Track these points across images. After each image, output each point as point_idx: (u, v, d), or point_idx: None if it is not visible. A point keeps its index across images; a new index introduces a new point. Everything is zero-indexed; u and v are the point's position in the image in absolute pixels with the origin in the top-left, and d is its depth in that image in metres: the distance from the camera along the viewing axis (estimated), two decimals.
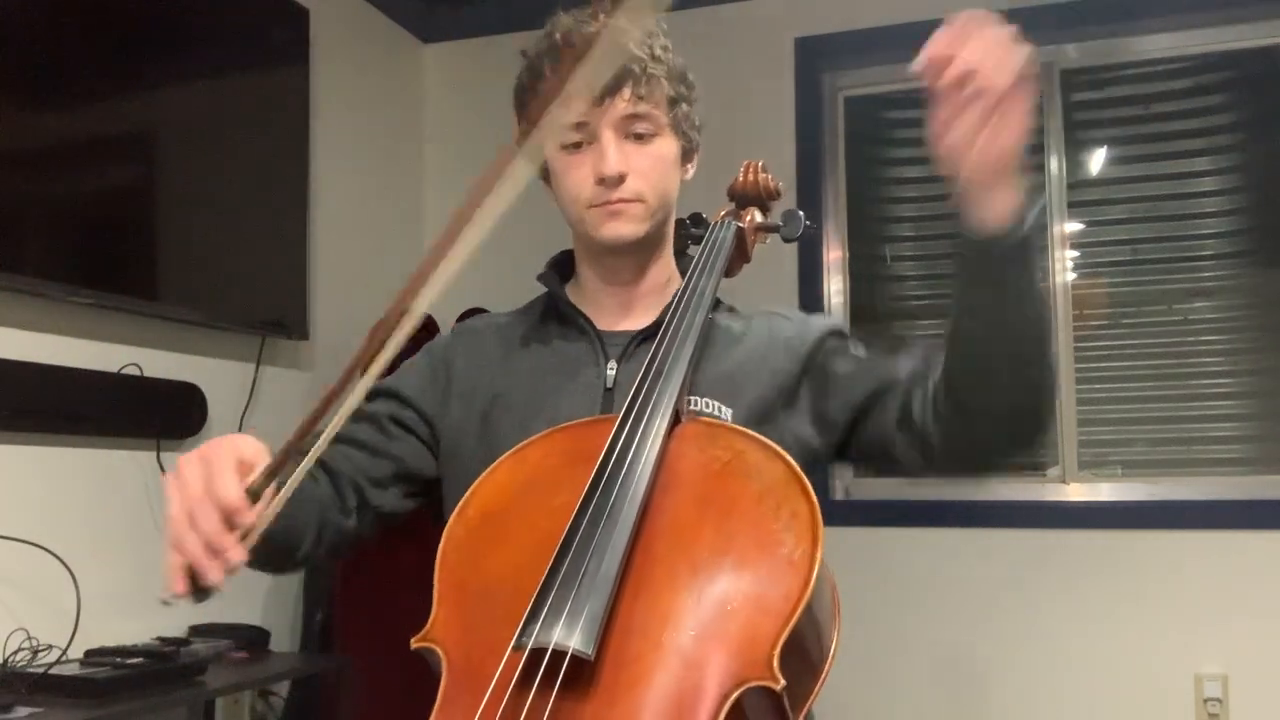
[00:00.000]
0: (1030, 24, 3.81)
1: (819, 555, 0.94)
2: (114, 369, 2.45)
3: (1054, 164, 3.28)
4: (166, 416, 2.59)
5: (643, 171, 1.23)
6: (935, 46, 0.99)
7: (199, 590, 0.96)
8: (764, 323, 1.33)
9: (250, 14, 2.87)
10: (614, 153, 1.21)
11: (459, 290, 1.31)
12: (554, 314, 1.33)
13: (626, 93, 1.21)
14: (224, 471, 0.96)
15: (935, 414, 1.17)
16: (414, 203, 3.73)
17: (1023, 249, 1.05)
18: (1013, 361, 1.09)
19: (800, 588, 0.92)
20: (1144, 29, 3.24)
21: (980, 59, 0.96)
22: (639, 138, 1.23)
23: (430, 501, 1.32)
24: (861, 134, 3.48)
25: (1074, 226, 3.29)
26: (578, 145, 1.23)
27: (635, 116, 1.22)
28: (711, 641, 0.92)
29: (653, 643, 0.93)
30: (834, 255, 3.42)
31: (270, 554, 1.11)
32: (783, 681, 0.88)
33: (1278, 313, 3.12)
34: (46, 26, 2.30)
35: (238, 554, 0.95)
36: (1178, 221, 3.23)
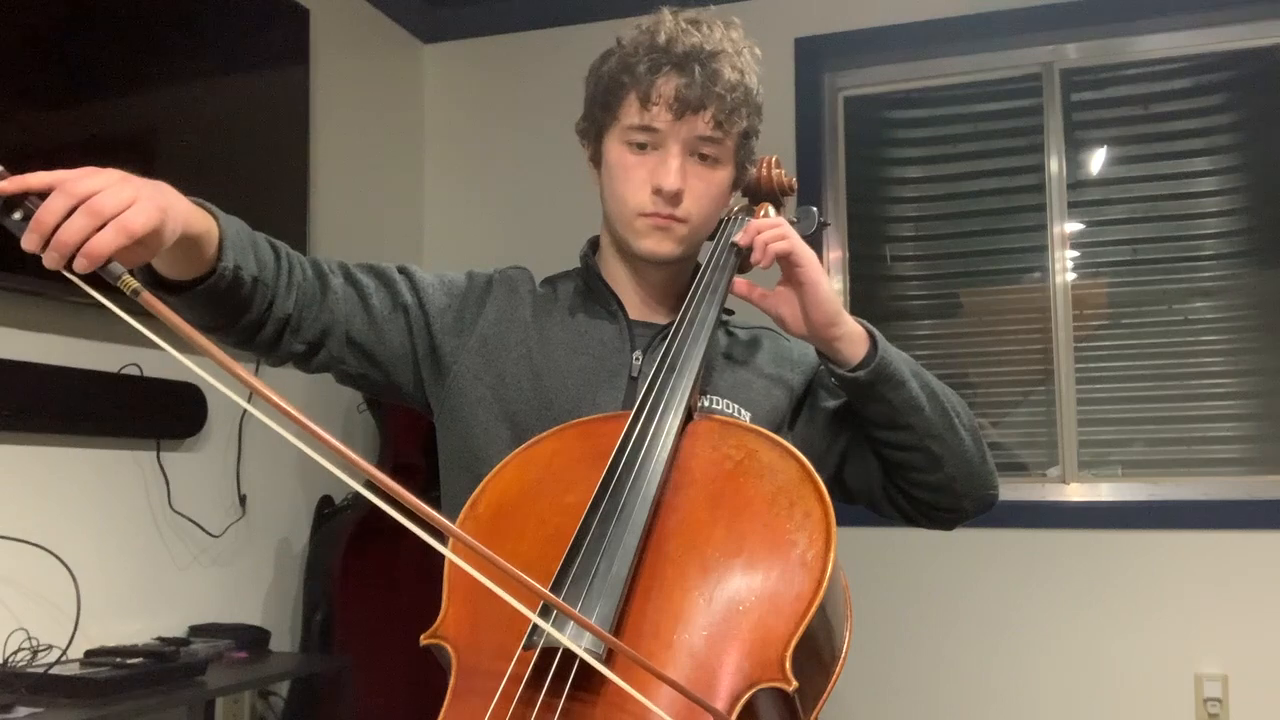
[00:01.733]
0: (1030, 24, 3.80)
1: (832, 556, 0.93)
2: (114, 369, 2.45)
3: (1054, 164, 3.28)
4: (166, 416, 2.59)
5: (698, 195, 1.24)
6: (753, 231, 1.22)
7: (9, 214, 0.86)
8: (771, 339, 1.36)
9: (250, 14, 2.87)
10: (677, 169, 1.21)
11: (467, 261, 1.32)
12: (588, 292, 1.33)
13: (708, 115, 1.21)
14: (140, 219, 0.88)
15: (895, 488, 1.30)
16: (414, 203, 3.73)
17: (887, 375, 1.20)
18: (929, 445, 1.23)
19: (813, 589, 0.92)
20: (1144, 29, 3.23)
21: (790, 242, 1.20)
22: (703, 159, 1.24)
23: (366, 390, 1.31)
24: (861, 134, 3.48)
25: (1074, 226, 3.29)
26: (641, 146, 1.23)
27: (708, 139, 1.23)
28: (723, 642, 0.91)
29: (664, 643, 0.92)
30: (834, 255, 3.42)
31: (234, 295, 1.08)
32: (795, 683, 0.88)
33: (1278, 313, 3.12)
34: (47, 26, 2.30)
35: (85, 261, 0.85)
36: (1178, 221, 3.22)
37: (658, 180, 1.21)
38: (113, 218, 0.87)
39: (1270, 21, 3.13)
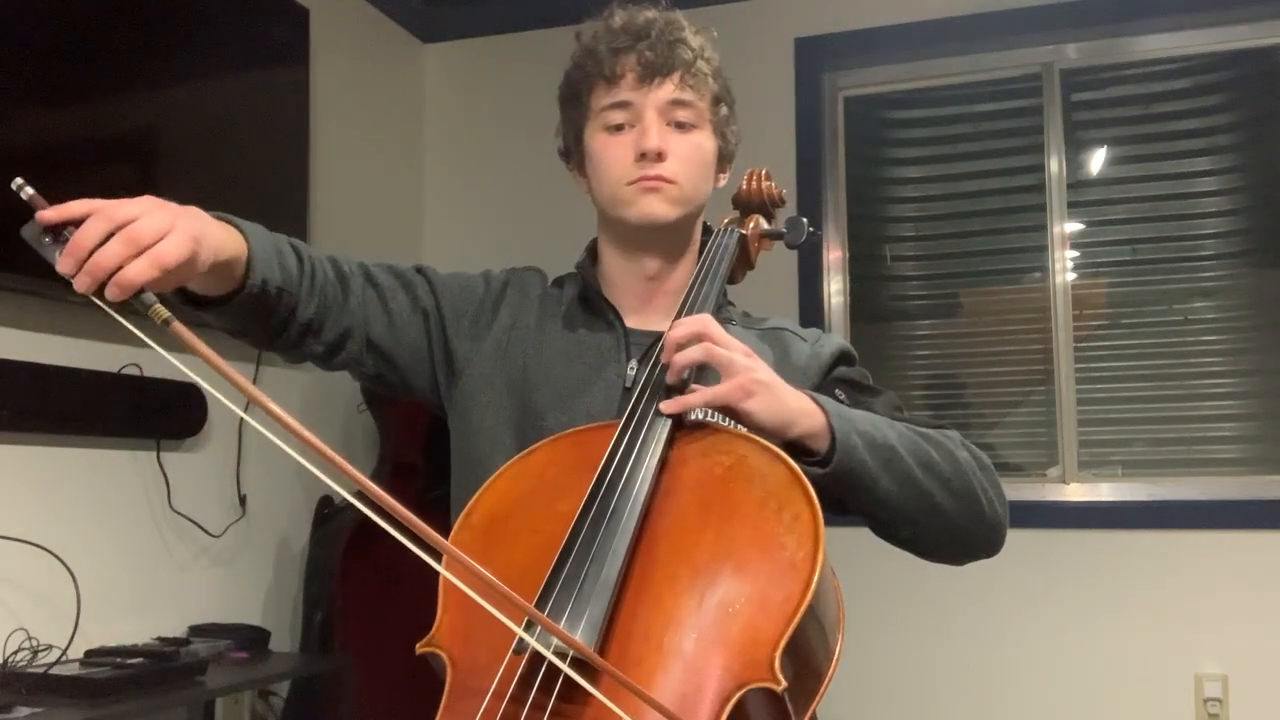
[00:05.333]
0: (1030, 24, 3.80)
1: (821, 558, 0.93)
2: (114, 369, 2.45)
3: (1054, 164, 3.28)
4: (166, 416, 2.59)
5: (682, 157, 1.24)
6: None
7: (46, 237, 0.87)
8: (778, 339, 1.32)
9: (250, 14, 2.87)
10: (656, 130, 1.23)
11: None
12: (585, 301, 1.33)
13: (676, 78, 1.24)
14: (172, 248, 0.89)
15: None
16: (414, 203, 3.73)
17: (850, 479, 1.10)
18: (899, 530, 1.17)
19: (801, 590, 0.92)
20: (1144, 29, 3.24)
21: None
22: (680, 126, 1.25)
23: (383, 389, 1.32)
24: (861, 134, 3.48)
25: (1074, 226, 3.29)
26: (619, 127, 1.25)
27: (680, 103, 1.24)
28: (713, 644, 0.91)
29: (654, 645, 0.92)
30: (834, 255, 3.42)
31: (260, 305, 1.11)
32: (784, 683, 0.88)
33: (1278, 313, 3.12)
34: (47, 26, 2.30)
35: (118, 290, 0.86)
36: (1178, 221, 3.22)
37: (639, 145, 1.22)
38: (149, 246, 0.88)
39: (1270, 21, 3.14)
